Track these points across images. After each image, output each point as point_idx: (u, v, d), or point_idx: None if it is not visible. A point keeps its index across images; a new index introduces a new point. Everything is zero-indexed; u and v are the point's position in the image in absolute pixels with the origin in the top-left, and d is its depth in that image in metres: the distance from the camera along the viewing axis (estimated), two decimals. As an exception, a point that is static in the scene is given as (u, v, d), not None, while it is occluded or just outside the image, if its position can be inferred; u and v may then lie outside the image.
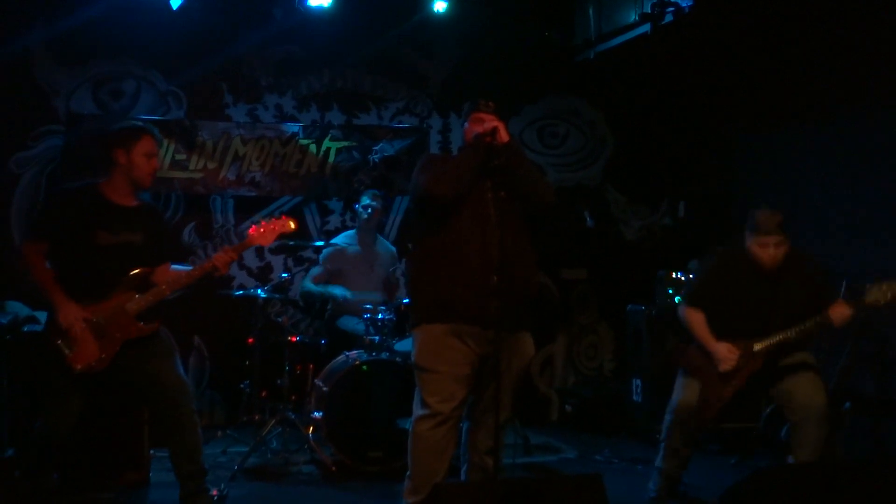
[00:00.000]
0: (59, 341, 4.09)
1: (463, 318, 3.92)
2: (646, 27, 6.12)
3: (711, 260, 5.05)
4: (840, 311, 4.55)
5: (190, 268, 4.38)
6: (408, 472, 4.06)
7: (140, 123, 4.66)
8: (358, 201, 6.53)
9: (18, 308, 5.53)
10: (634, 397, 6.72)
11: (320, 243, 6.58)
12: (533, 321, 4.19)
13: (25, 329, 5.18)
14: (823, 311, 4.56)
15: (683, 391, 4.89)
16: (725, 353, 4.70)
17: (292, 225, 4.50)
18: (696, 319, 4.82)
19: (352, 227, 6.72)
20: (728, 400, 4.75)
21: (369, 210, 6.31)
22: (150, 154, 4.29)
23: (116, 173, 4.27)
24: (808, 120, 6.39)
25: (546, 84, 7.59)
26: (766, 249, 4.67)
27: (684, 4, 5.82)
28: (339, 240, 6.47)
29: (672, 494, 5.05)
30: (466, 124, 4.19)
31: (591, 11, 6.73)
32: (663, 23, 5.99)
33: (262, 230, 4.40)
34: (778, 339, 4.66)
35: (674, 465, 4.99)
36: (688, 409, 4.87)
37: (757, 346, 4.69)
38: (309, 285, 6.29)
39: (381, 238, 6.64)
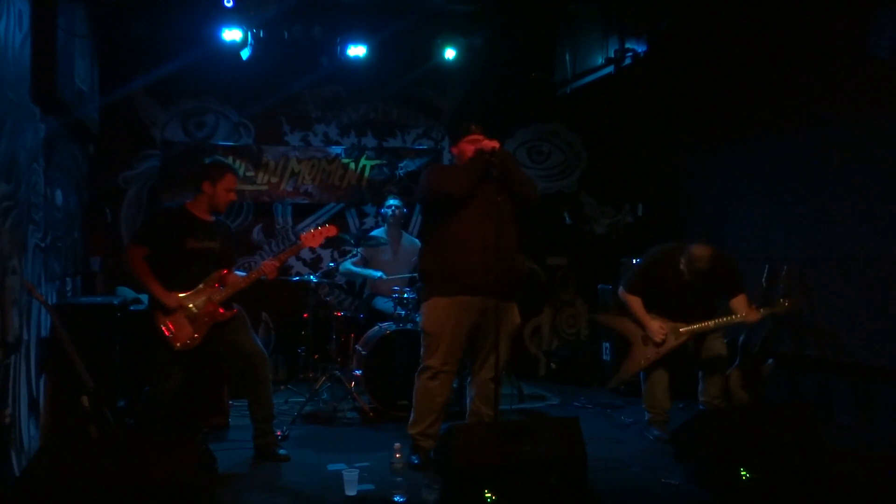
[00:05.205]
0: (162, 326, 4.13)
1: (463, 289, 3.97)
2: (610, 68, 6.10)
3: (649, 256, 4.90)
4: (744, 307, 4.54)
5: (245, 274, 4.40)
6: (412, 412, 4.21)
7: (226, 162, 4.49)
8: (384, 206, 6.51)
9: (126, 292, 5.60)
10: (604, 357, 6.73)
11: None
12: (520, 296, 4.21)
13: (132, 308, 5.23)
14: (738, 312, 4.54)
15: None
16: (657, 328, 4.65)
17: (334, 230, 4.53)
18: (633, 301, 4.76)
19: (383, 226, 6.73)
20: (649, 363, 4.70)
21: (392, 209, 6.29)
22: (229, 189, 4.30)
23: (201, 197, 4.30)
24: (737, 139, 6.37)
25: (533, 113, 7.56)
26: (692, 274, 4.56)
27: (640, 50, 5.82)
28: (376, 233, 6.47)
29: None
30: (459, 144, 4.22)
31: (567, 56, 6.71)
32: (624, 65, 5.98)
33: (311, 234, 4.41)
34: (701, 326, 4.62)
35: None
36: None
37: (682, 329, 4.64)
38: (350, 266, 6.27)
39: (406, 234, 6.63)
